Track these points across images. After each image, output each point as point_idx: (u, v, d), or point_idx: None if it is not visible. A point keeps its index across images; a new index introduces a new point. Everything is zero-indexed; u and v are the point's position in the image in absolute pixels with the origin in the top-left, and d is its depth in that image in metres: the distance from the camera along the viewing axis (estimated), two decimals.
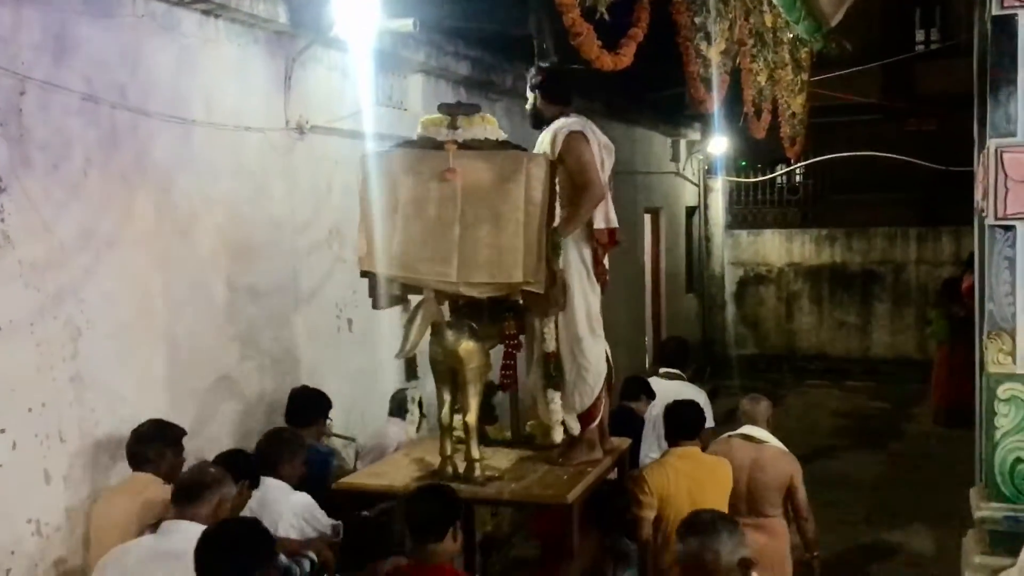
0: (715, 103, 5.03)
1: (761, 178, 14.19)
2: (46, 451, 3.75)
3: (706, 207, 14.17)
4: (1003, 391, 4.55)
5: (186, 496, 3.22)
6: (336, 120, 5.58)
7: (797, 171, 14.42)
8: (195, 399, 4.56)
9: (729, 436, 4.88)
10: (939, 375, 10.70)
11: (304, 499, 4.04)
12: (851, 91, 12.09)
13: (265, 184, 5.12)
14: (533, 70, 4.48)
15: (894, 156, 12.40)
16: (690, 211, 13.79)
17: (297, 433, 4.35)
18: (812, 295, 13.85)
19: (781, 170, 14.16)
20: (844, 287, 13.72)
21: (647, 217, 11.84)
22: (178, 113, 4.49)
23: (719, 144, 12.48)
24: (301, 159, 5.40)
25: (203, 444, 4.50)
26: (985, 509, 4.68)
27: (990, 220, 4.51)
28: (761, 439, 4.81)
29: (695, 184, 13.78)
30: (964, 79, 6.30)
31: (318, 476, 4.37)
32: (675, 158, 12.77)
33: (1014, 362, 4.52)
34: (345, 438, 5.49)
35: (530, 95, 4.43)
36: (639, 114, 10.88)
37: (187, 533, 2.99)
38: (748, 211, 14.52)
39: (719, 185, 14.11)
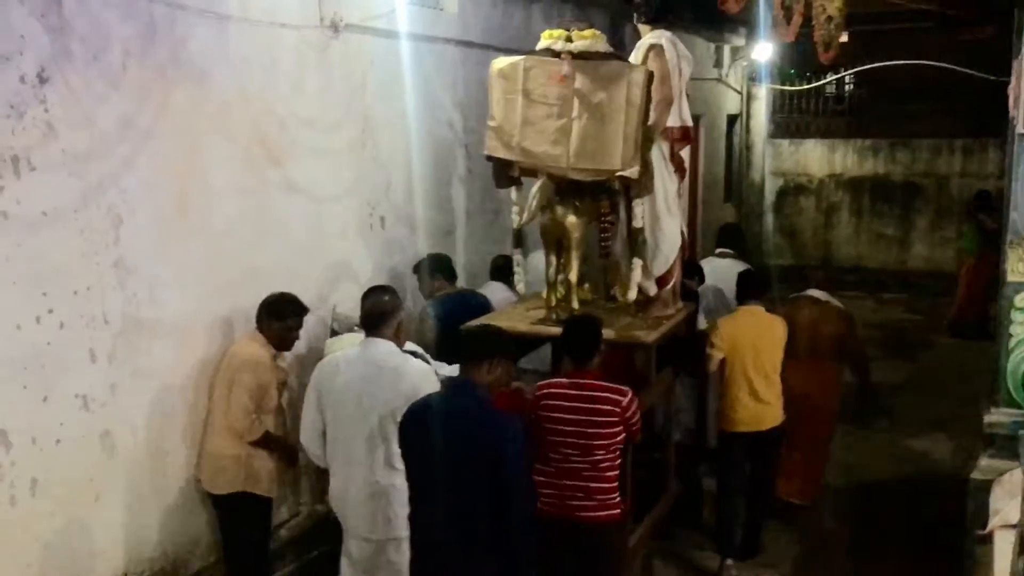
0: (740, 4, 4.95)
1: (807, 86, 13.90)
2: (91, 332, 3.99)
3: (748, 115, 13.95)
4: (1020, 299, 4.59)
5: (372, 322, 4.16)
6: (371, 19, 5.62)
7: (847, 80, 14.11)
8: (231, 288, 4.75)
9: (796, 297, 6.27)
10: (961, 287, 10.81)
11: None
12: None
13: (300, 81, 5.21)
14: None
15: (946, 65, 12.06)
16: (731, 119, 13.58)
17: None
18: (852, 207, 13.70)
19: (830, 78, 13.84)
20: (885, 199, 13.54)
21: None
22: (213, 8, 4.58)
23: (764, 50, 12.20)
24: (336, 57, 5.47)
25: (245, 330, 4.72)
26: (995, 414, 4.78)
27: (1019, 128, 4.48)
28: (822, 299, 6.21)
29: (738, 91, 13.54)
30: None
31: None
32: (718, 64, 12.54)
33: None
34: None
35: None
36: (680, 18, 10.67)
37: (379, 347, 4.09)
38: (791, 120, 14.27)
39: (763, 93, 13.85)
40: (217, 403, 4.51)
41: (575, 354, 4.30)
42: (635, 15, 5.30)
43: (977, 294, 10.62)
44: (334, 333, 5.47)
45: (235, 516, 4.58)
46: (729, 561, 5.54)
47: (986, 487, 4.52)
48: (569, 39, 4.82)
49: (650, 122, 4.84)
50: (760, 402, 5.46)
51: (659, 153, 5.19)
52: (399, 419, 3.73)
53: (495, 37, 7.11)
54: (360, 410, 4.06)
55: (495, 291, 6.00)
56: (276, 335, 4.61)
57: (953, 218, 13.17)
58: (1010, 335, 4.66)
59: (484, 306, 5.62)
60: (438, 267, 5.80)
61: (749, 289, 5.64)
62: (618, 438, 4.22)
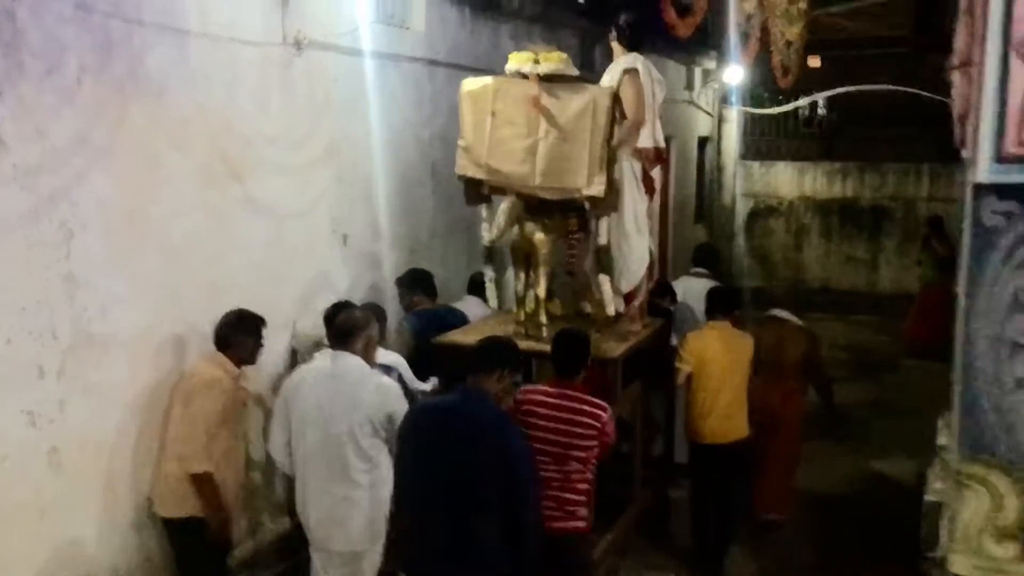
0: (689, 30, 5.05)
1: (778, 109, 14.05)
2: (40, 347, 3.93)
3: (720, 137, 14.09)
4: None
5: (343, 336, 4.22)
6: (335, 37, 5.63)
7: (818, 103, 14.28)
8: (188, 304, 4.71)
9: (762, 317, 6.52)
10: (919, 311, 11.06)
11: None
12: (881, 25, 11.89)
13: (262, 98, 5.20)
14: (628, 17, 5.51)
15: (914, 91, 12.23)
16: (703, 141, 13.72)
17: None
18: (822, 229, 13.86)
19: (801, 101, 14.00)
20: (854, 222, 13.72)
21: None
22: (173, 24, 4.56)
23: (735, 73, 12.35)
24: (299, 75, 5.46)
25: (201, 346, 4.69)
26: (947, 436, 4.80)
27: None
28: (785, 318, 6.44)
29: (709, 114, 13.68)
30: None
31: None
32: (690, 86, 12.67)
33: None
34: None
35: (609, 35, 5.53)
36: (653, 41, 10.76)
37: (346, 361, 4.15)
38: (762, 142, 14.44)
39: (734, 115, 14.00)
40: (171, 426, 4.41)
41: (563, 366, 4.39)
42: (616, 35, 5.53)
43: (930, 317, 10.86)
44: (294, 351, 5.47)
45: (188, 541, 4.45)
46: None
47: (940, 509, 4.52)
48: (537, 61, 4.98)
49: (615, 142, 5.03)
50: (726, 415, 5.61)
51: (630, 173, 5.44)
52: (360, 433, 3.98)
53: (462, 56, 7.15)
54: (322, 423, 4.13)
55: (472, 306, 6.10)
56: (249, 351, 4.58)
57: (920, 241, 13.31)
58: None
59: (460, 321, 5.70)
60: (417, 282, 5.92)
61: (717, 306, 5.80)
62: (593, 452, 4.31)
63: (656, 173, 5.63)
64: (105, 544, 4.37)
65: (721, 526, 5.82)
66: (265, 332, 4.70)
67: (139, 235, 4.43)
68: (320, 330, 5.48)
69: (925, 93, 12.12)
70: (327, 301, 5.42)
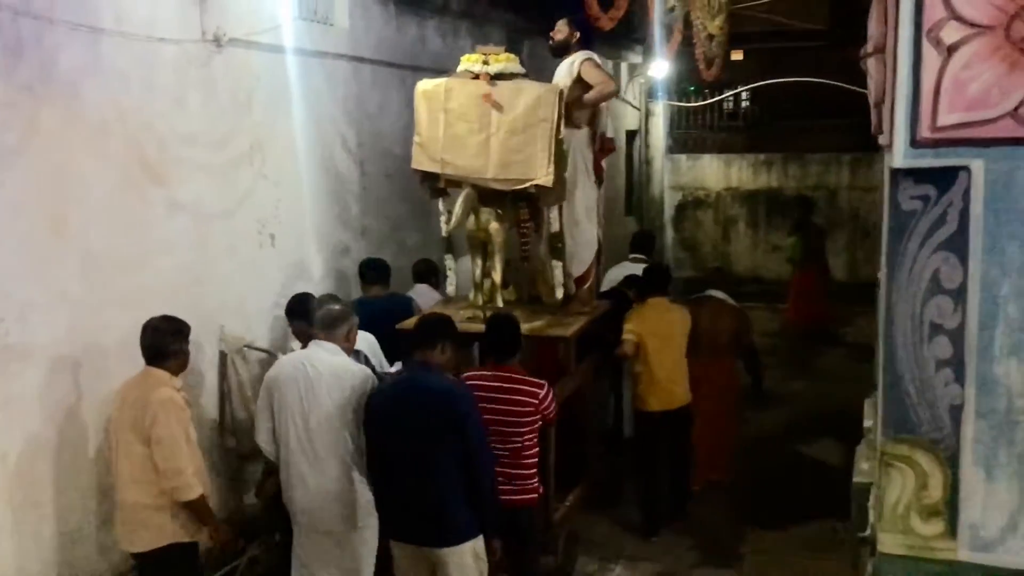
0: (613, 23, 5.14)
1: (702, 103, 14.25)
2: None
3: (647, 131, 14.22)
4: None
5: (324, 326, 4.40)
6: (256, 33, 5.53)
7: (742, 96, 14.54)
8: (109, 310, 4.59)
9: (698, 297, 6.89)
10: (794, 295, 11.55)
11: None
12: (799, 17, 12.13)
13: (181, 97, 5.08)
14: (565, 23, 5.87)
15: (833, 82, 12.52)
16: (631, 135, 13.83)
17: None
18: (748, 219, 14.09)
19: (725, 94, 14.24)
20: (779, 212, 13.95)
21: None
22: (86, 22, 4.43)
23: (660, 68, 12.47)
24: (219, 72, 5.35)
25: (121, 355, 4.56)
26: (872, 418, 4.91)
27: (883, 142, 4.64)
28: (720, 297, 6.88)
29: (636, 108, 13.80)
30: None
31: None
32: (616, 81, 12.75)
33: None
34: (265, 351, 5.59)
35: (560, 35, 5.84)
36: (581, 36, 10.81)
37: (325, 350, 4.35)
38: (689, 135, 14.64)
39: (660, 109, 14.15)
40: (126, 455, 4.05)
41: (497, 349, 4.67)
42: (570, 31, 5.87)
43: (809, 302, 11.26)
44: (223, 355, 5.36)
45: (164, 571, 4.15)
46: (654, 539, 6.10)
47: (867, 490, 4.62)
48: (486, 62, 5.33)
49: (592, 96, 5.58)
50: (669, 383, 6.05)
51: (582, 163, 5.83)
52: (344, 418, 4.23)
53: (388, 53, 7.08)
54: (307, 410, 4.29)
55: (422, 293, 6.37)
56: (184, 359, 4.28)
57: (844, 230, 13.65)
58: None
59: (404, 308, 5.87)
60: (374, 271, 6.13)
61: (654, 283, 6.21)
62: (535, 426, 4.61)
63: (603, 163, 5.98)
64: (31, 558, 4.23)
65: (676, 481, 6.30)
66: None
67: (56, 241, 4.30)
68: (249, 332, 5.40)
69: (843, 84, 12.44)
70: (255, 303, 5.34)
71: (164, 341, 4.16)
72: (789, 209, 13.90)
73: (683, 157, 14.41)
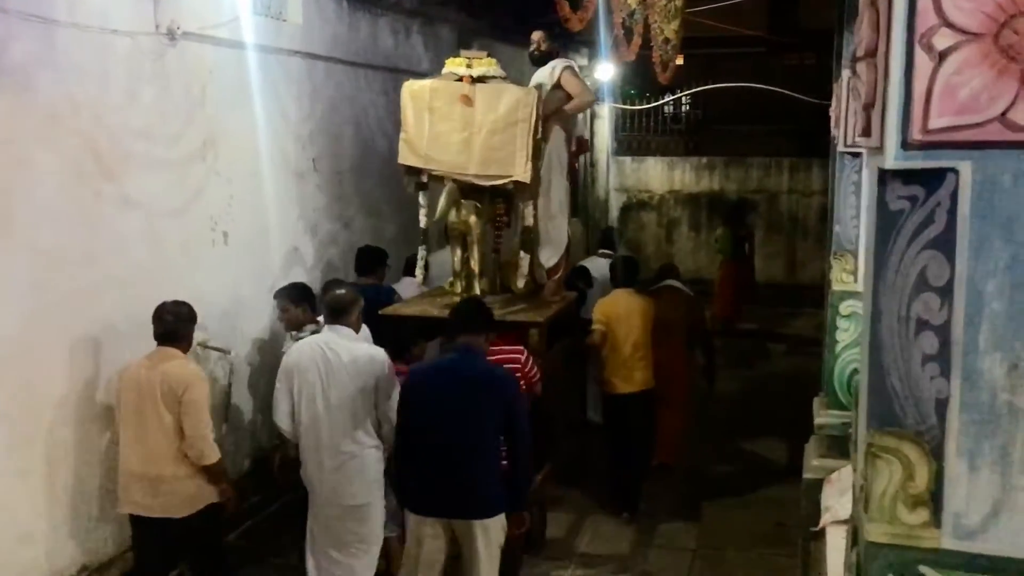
0: (583, 23, 5.22)
1: (646, 106, 14.42)
2: None
3: (592, 133, 14.32)
4: (844, 307, 4.88)
5: (337, 312, 4.63)
6: (210, 28, 5.44)
7: (684, 100, 14.74)
8: (60, 308, 4.49)
9: (657, 287, 7.18)
10: (721, 289, 11.88)
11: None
12: (739, 23, 12.34)
13: (134, 91, 4.99)
14: (543, 35, 6.29)
15: (774, 88, 12.80)
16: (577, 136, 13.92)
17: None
18: (691, 222, 14.28)
19: (668, 98, 14.43)
20: (721, 214, 14.18)
21: None
22: (39, 12, 4.32)
23: (606, 71, 12.58)
24: (173, 66, 5.26)
25: (74, 350, 4.46)
26: (824, 416, 5.05)
27: (840, 147, 4.77)
28: (677, 287, 7.26)
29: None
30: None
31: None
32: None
33: (855, 280, 4.82)
34: (219, 350, 5.50)
35: (544, 45, 6.25)
36: (526, 37, 10.86)
37: (340, 334, 4.58)
38: (633, 138, 14.78)
39: (605, 112, 14.27)
40: (160, 429, 4.30)
41: (470, 327, 4.65)
42: (550, 39, 6.31)
43: (732, 295, 11.64)
44: None
45: (200, 531, 4.48)
46: (624, 516, 6.40)
47: (818, 486, 4.75)
48: (469, 65, 5.66)
49: (571, 107, 6.03)
50: (634, 367, 6.39)
51: (557, 162, 6.16)
52: (360, 398, 4.47)
53: (341, 49, 7.04)
54: (326, 391, 4.51)
55: (407, 285, 6.53)
56: (190, 340, 4.62)
57: (783, 232, 13.93)
58: (836, 341, 4.94)
59: (390, 298, 6.12)
60: (369, 261, 6.42)
61: (625, 273, 6.67)
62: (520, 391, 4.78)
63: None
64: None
65: (636, 463, 6.58)
66: None
67: (6, 238, 4.18)
68: (203, 331, 5.30)
69: (782, 90, 12.73)
70: (209, 301, 5.24)
71: (180, 324, 4.49)
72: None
73: (628, 159, 14.55)
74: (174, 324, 4.44)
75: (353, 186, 7.34)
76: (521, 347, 4.98)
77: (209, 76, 5.58)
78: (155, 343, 4.42)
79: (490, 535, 4.20)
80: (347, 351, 4.53)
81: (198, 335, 5.17)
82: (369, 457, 4.55)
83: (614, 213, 14.45)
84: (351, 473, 4.52)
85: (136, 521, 4.45)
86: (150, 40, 5.06)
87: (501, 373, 4.37)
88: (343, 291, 4.79)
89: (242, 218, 5.93)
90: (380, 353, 4.64)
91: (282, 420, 4.64)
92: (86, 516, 4.75)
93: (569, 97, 5.99)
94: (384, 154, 7.77)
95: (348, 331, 4.63)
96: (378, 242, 7.15)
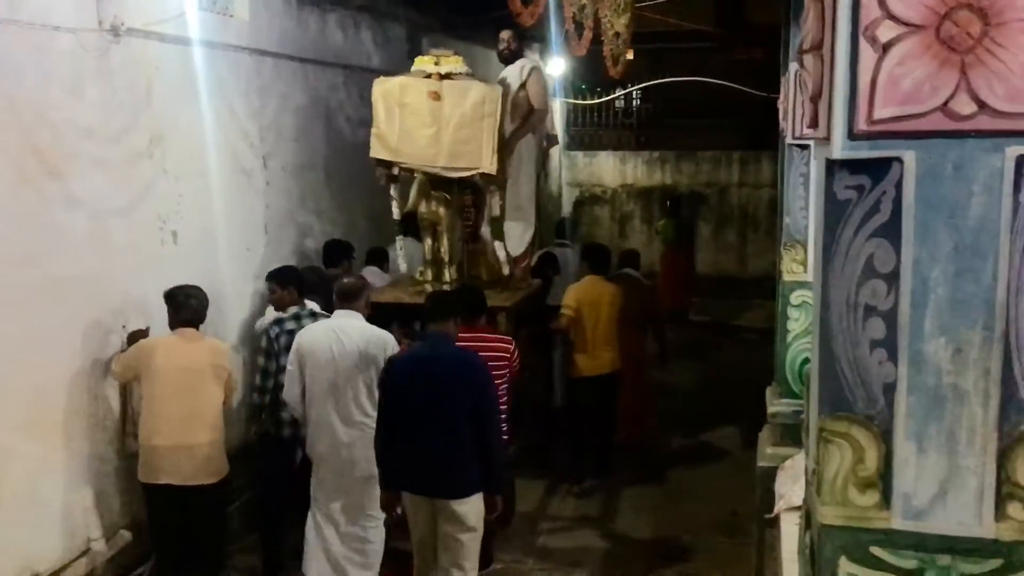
0: (534, 18, 5.26)
1: (597, 100, 14.48)
2: None
3: None
4: (795, 297, 4.94)
5: (348, 297, 5.02)
6: (155, 23, 5.35)
7: (634, 95, 14.82)
8: (3, 309, 4.39)
9: (616, 275, 7.47)
10: (664, 279, 12.11)
11: None
12: (686, 18, 12.42)
13: (77, 89, 4.88)
14: (511, 34, 6.80)
15: (723, 83, 12.93)
16: None
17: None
18: (643, 215, 14.38)
19: (618, 93, 14.50)
20: (663, 206, 14.31)
21: None
22: None
23: (557, 65, 12.62)
24: (117, 63, 5.16)
25: (13, 354, 4.37)
26: (777, 405, 5.11)
27: (788, 139, 4.83)
28: (634, 275, 7.71)
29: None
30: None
31: None
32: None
33: (805, 271, 4.88)
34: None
35: (513, 44, 6.81)
36: (476, 31, 10.86)
37: (351, 318, 4.97)
38: (585, 133, 14.84)
39: (557, 106, 14.29)
40: (206, 400, 4.83)
41: (468, 311, 5.07)
42: (520, 38, 6.82)
43: (672, 284, 11.85)
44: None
45: (218, 502, 5.02)
46: (588, 482, 6.87)
47: (772, 474, 4.81)
48: (437, 63, 5.97)
49: (524, 130, 6.45)
50: (601, 350, 6.82)
51: (528, 156, 6.64)
52: (368, 378, 4.82)
53: (290, 46, 6.96)
54: (337, 372, 4.86)
55: (371, 275, 6.75)
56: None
57: (734, 225, 14.09)
58: (787, 331, 5.00)
59: None
60: (335, 253, 6.77)
61: (596, 263, 7.01)
62: (506, 378, 5.24)
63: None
64: None
65: (601, 440, 7.06)
66: None
67: None
68: (153, 332, 5.22)
69: (731, 84, 12.86)
70: (158, 301, 5.15)
71: (203, 308, 4.92)
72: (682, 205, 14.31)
73: (580, 154, 14.61)
74: (200, 308, 4.89)
75: (305, 183, 7.27)
76: (509, 337, 5.33)
77: (155, 73, 5.48)
78: (170, 328, 4.91)
79: (470, 513, 4.42)
80: (359, 333, 4.90)
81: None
82: (368, 434, 4.82)
83: (567, 208, 14.50)
84: (362, 447, 4.83)
85: (163, 491, 4.76)
86: (93, 37, 4.96)
87: (472, 359, 4.54)
88: (352, 279, 5.28)
89: (191, 217, 5.84)
90: (388, 335, 5.02)
91: (295, 400, 4.96)
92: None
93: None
94: (337, 150, 7.72)
95: (358, 315, 5.00)
96: (332, 237, 7.18)
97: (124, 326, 5.17)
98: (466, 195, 6.36)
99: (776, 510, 4.44)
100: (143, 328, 5.16)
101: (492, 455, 4.42)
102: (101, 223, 5.07)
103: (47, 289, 4.65)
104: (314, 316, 5.42)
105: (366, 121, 7.84)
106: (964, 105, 1.67)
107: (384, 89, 5.98)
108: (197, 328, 4.91)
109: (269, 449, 5.43)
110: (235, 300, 6.24)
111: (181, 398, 4.75)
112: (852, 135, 1.71)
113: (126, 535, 5.21)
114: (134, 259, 5.31)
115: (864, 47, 1.68)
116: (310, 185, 7.38)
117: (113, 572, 5.10)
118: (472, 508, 4.43)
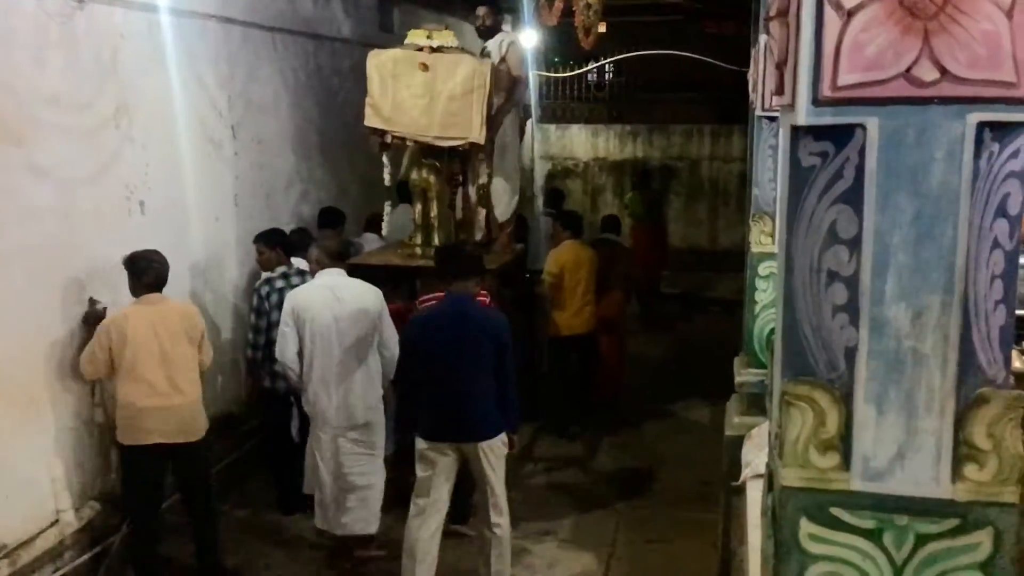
0: None
1: (570, 73, 14.42)
2: None
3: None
4: (763, 268, 4.97)
5: (338, 257, 5.40)
6: None
7: (607, 68, 14.78)
8: None
9: (596, 239, 8.13)
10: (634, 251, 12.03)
11: None
12: None
13: (41, 56, 4.80)
14: (488, 11, 7.07)
15: (695, 56, 12.92)
16: None
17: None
18: (616, 189, 14.38)
19: (590, 66, 14.45)
20: (632, 179, 14.32)
21: None
22: None
23: (529, 38, 12.52)
24: (82, 30, 5.08)
25: None
26: (744, 375, 5.17)
27: (758, 111, 4.85)
28: (614, 239, 8.30)
29: None
30: None
31: None
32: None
33: (773, 242, 4.91)
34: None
35: (489, 20, 7.10)
36: (448, 2, 10.78)
37: (338, 276, 5.31)
38: (557, 106, 14.79)
39: (530, 79, 14.20)
40: (183, 360, 4.89)
41: (462, 273, 5.06)
42: (497, 12, 7.11)
43: (642, 257, 11.88)
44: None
45: (203, 458, 5.12)
46: (575, 427, 7.44)
47: (738, 442, 4.87)
48: (430, 36, 6.25)
49: (511, 102, 6.68)
50: (578, 311, 7.33)
51: (511, 127, 6.86)
52: (368, 333, 5.19)
53: (259, 15, 6.88)
54: (339, 330, 5.15)
55: (369, 240, 7.42)
56: None
57: (704, 199, 14.14)
58: (755, 301, 5.04)
59: (348, 249, 6.53)
60: (329, 218, 7.14)
61: (571, 228, 7.48)
62: None
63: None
64: None
65: (579, 396, 7.58)
66: None
67: None
68: (119, 303, 5.17)
69: (703, 58, 12.86)
70: (122, 273, 5.11)
71: (165, 272, 4.91)
72: (654, 178, 14.32)
73: (552, 127, 14.56)
74: (162, 271, 4.88)
75: (275, 153, 7.21)
76: (486, 292, 5.52)
77: (121, 40, 5.40)
78: (133, 295, 4.90)
79: (494, 452, 4.86)
80: (351, 291, 5.23)
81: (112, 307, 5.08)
82: (374, 381, 5.29)
83: (540, 181, 14.47)
84: (362, 394, 5.22)
85: (149, 451, 4.79)
86: (57, 3, 4.88)
87: (501, 319, 4.92)
88: (342, 244, 5.71)
89: (159, 187, 5.78)
90: (377, 290, 5.34)
91: (290, 360, 5.20)
92: None
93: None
94: (308, 119, 7.65)
95: (342, 271, 5.34)
96: (302, 209, 7.18)
97: (91, 297, 5.11)
98: (455, 164, 6.63)
99: (742, 478, 4.49)
100: (99, 308, 5.08)
101: (513, 401, 4.89)
102: (67, 192, 5.00)
103: (12, 258, 4.59)
104: (302, 275, 5.84)
105: (335, 91, 7.75)
106: (927, 72, 1.68)
107: (378, 62, 6.26)
108: (160, 292, 4.92)
109: (268, 402, 5.99)
110: (209, 275, 6.22)
111: (161, 360, 4.81)
112: (816, 101, 1.72)
113: (95, 506, 5.19)
114: (101, 228, 5.26)
115: (829, 13, 1.69)
116: (282, 154, 7.32)
117: (82, 543, 5.08)
118: (498, 444, 4.88)
